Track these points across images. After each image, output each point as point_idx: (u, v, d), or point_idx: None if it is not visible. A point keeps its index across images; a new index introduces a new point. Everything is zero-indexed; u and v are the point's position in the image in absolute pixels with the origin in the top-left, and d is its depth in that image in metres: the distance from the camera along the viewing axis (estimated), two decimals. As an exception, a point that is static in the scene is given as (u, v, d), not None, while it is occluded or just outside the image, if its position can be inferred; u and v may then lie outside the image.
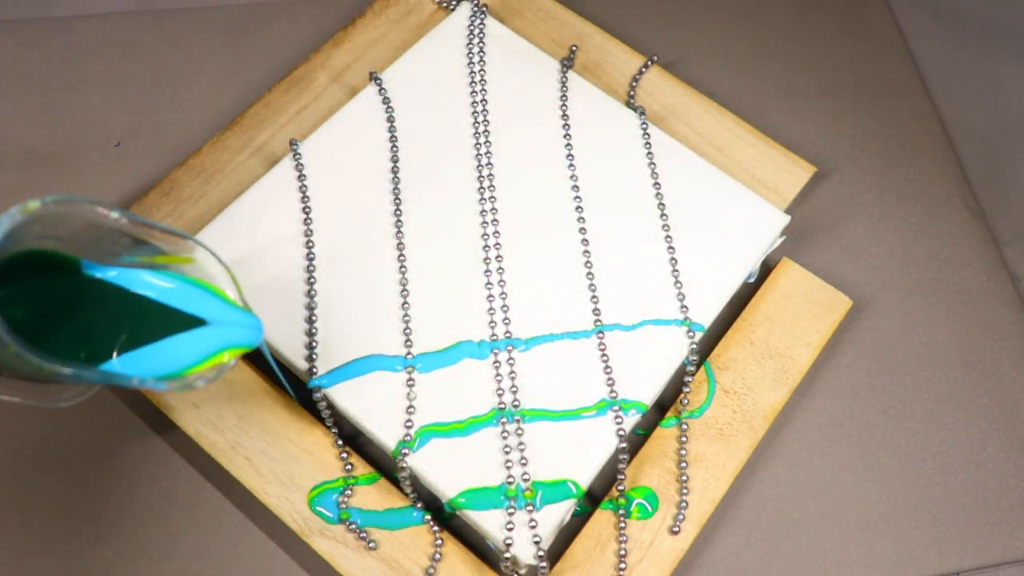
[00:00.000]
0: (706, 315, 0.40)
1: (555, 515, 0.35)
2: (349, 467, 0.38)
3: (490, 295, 0.39)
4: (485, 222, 0.41)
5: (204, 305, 0.31)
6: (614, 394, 0.38)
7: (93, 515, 0.39)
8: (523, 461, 0.36)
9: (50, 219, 0.27)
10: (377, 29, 0.49)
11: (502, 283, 0.40)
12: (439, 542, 0.36)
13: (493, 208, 0.42)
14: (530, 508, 0.35)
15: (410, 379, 0.37)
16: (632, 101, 0.47)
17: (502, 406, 0.37)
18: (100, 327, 0.30)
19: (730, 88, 0.52)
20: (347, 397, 0.37)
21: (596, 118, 0.45)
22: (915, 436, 0.43)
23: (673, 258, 0.41)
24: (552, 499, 0.36)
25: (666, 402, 0.41)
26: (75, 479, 0.40)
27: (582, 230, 0.41)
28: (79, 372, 0.26)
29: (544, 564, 0.35)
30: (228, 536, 0.39)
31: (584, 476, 0.36)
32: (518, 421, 0.37)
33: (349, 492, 0.37)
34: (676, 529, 0.37)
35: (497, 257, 0.40)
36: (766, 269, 0.44)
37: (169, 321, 0.30)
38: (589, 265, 0.40)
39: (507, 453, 0.36)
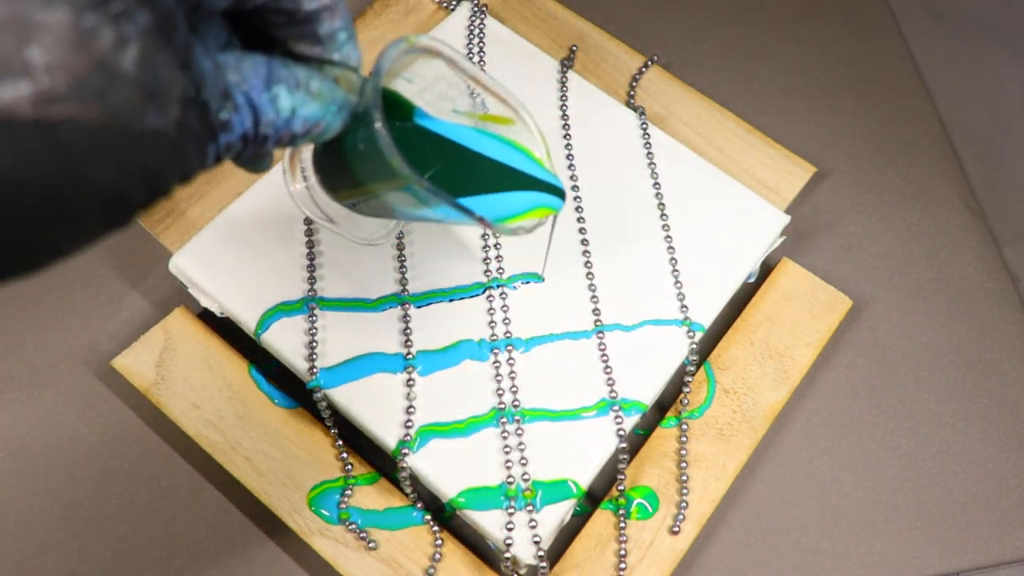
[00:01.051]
0: (706, 315, 0.40)
1: (555, 515, 0.35)
2: (349, 467, 0.38)
3: (490, 295, 0.39)
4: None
5: (522, 165, 0.33)
6: (614, 394, 0.38)
7: (93, 515, 0.39)
8: (523, 461, 0.36)
9: (414, 60, 0.29)
10: (377, 29, 0.49)
11: (502, 284, 0.40)
12: (439, 542, 0.36)
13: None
14: (530, 508, 0.35)
15: (410, 379, 0.37)
16: (632, 101, 0.47)
17: (502, 406, 0.37)
18: (425, 170, 0.31)
19: (730, 88, 0.52)
20: (347, 397, 0.37)
21: (596, 118, 0.45)
22: (915, 436, 0.43)
23: (673, 258, 0.41)
24: (552, 499, 0.36)
25: (666, 402, 0.41)
26: (75, 479, 0.40)
27: (582, 230, 0.41)
28: (437, 193, 0.27)
29: (544, 564, 0.35)
30: (228, 536, 0.39)
31: (584, 476, 0.36)
32: (518, 421, 0.37)
33: (349, 492, 0.37)
34: (676, 529, 0.37)
35: (497, 257, 0.40)
36: (766, 269, 0.44)
37: (487, 175, 0.32)
38: (589, 265, 0.40)
39: (507, 453, 0.36)
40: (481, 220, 0.29)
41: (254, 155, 0.24)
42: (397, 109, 0.30)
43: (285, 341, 0.38)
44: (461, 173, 0.31)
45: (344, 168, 0.28)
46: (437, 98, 0.32)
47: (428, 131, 0.31)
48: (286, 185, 0.33)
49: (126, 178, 0.18)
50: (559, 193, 0.33)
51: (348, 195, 0.30)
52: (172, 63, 0.18)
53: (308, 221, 0.41)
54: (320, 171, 0.30)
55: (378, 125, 0.25)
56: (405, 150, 0.29)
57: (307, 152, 0.32)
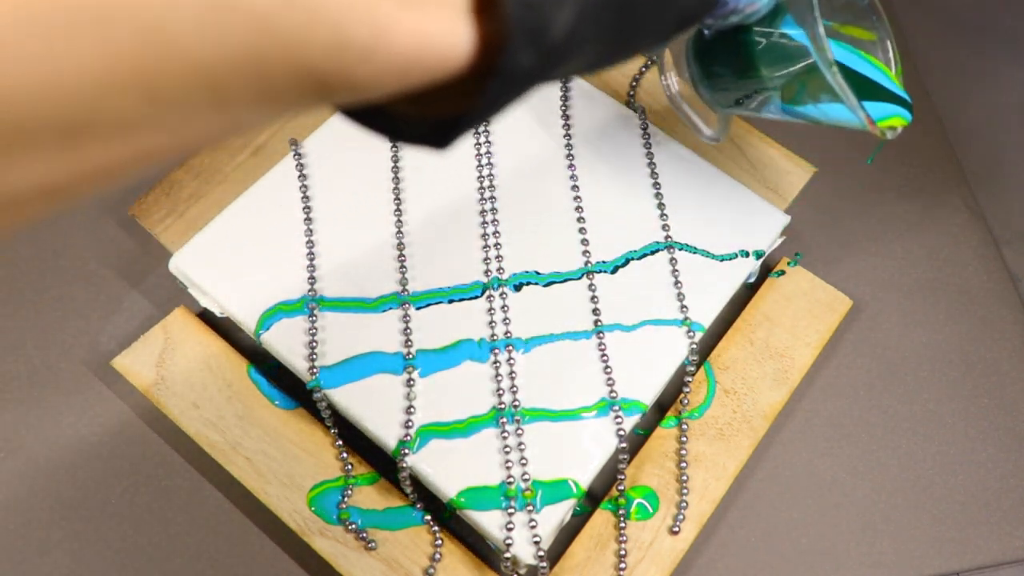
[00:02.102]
0: (706, 315, 0.40)
1: (555, 515, 0.35)
2: (349, 467, 0.38)
3: (490, 295, 0.39)
4: (485, 222, 0.41)
5: (879, 78, 0.35)
6: (614, 394, 0.38)
7: (93, 515, 0.39)
8: (523, 461, 0.36)
9: None
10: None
11: (502, 284, 0.40)
12: (439, 542, 0.36)
13: (493, 208, 0.42)
14: (530, 508, 0.35)
15: (410, 379, 0.37)
16: (632, 101, 0.47)
17: (502, 406, 0.37)
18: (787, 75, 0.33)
19: (730, 88, 0.52)
20: (347, 397, 0.37)
21: (596, 118, 0.45)
22: (915, 436, 0.43)
23: (673, 258, 0.41)
24: (552, 499, 0.36)
25: (666, 402, 0.41)
26: (75, 479, 0.40)
27: (582, 230, 0.41)
28: (841, 82, 0.29)
29: (544, 564, 0.35)
30: (228, 536, 0.39)
31: (584, 476, 0.36)
32: (518, 421, 0.37)
33: (349, 492, 0.37)
34: (676, 529, 0.37)
35: (497, 257, 0.40)
36: (766, 269, 0.44)
37: (850, 83, 0.33)
38: (589, 265, 0.40)
39: (507, 453, 0.36)
40: (868, 118, 0.31)
41: (718, 16, 0.30)
42: (772, 11, 0.32)
43: (285, 341, 0.38)
44: (816, 79, 0.33)
45: (739, 58, 0.31)
46: (807, 6, 0.33)
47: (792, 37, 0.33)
48: (664, 85, 0.37)
49: None
50: (909, 107, 0.35)
51: (727, 86, 0.32)
52: None
53: (308, 221, 0.41)
54: (703, 62, 0.33)
55: (815, 15, 0.28)
56: (774, 52, 0.31)
57: (678, 55, 0.35)
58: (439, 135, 0.19)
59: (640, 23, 0.22)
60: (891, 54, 0.36)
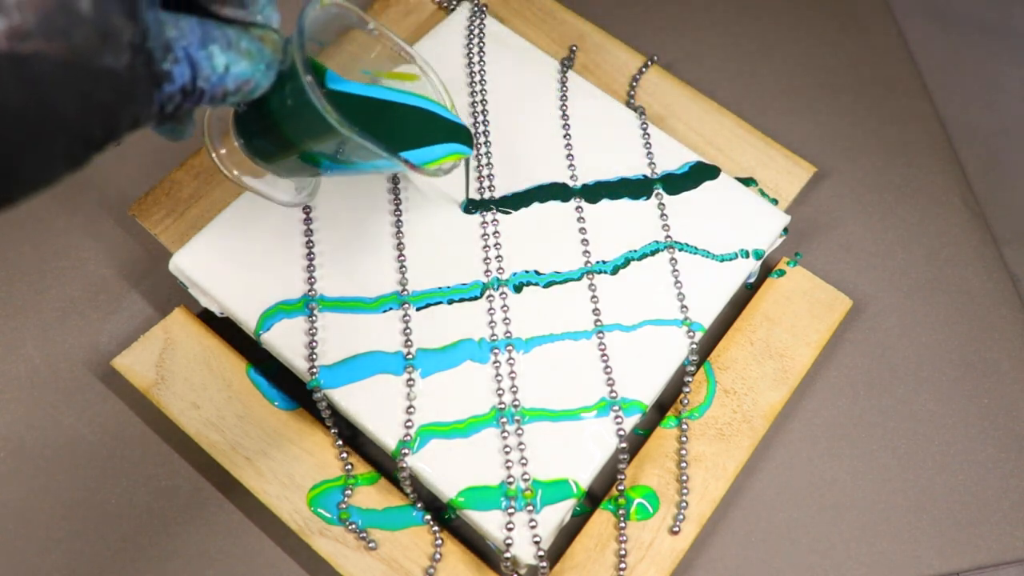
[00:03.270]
0: (706, 315, 0.40)
1: (555, 515, 0.35)
2: (349, 467, 0.38)
3: (490, 295, 0.39)
4: (485, 222, 0.41)
5: (437, 110, 0.36)
6: (614, 394, 0.38)
7: (93, 515, 0.39)
8: (523, 461, 0.36)
9: (325, 22, 0.31)
10: (377, 29, 0.49)
11: (502, 283, 0.40)
12: (439, 542, 0.36)
13: (493, 208, 0.42)
14: (530, 508, 0.35)
15: (410, 379, 0.37)
16: (632, 101, 0.47)
17: (502, 406, 0.37)
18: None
19: (730, 88, 0.52)
20: (347, 397, 0.37)
21: (596, 118, 0.45)
22: (915, 436, 0.43)
23: (673, 258, 0.41)
24: (552, 499, 0.36)
25: (666, 402, 0.41)
26: (75, 479, 0.40)
27: (582, 230, 0.41)
28: (366, 138, 0.29)
29: (544, 564, 0.35)
30: (228, 536, 0.39)
31: (584, 476, 0.36)
32: (518, 421, 0.37)
33: (349, 492, 0.37)
34: (676, 529, 0.37)
35: (497, 257, 0.40)
36: (766, 269, 0.44)
37: (402, 128, 0.34)
38: (589, 265, 0.40)
39: (507, 453, 0.36)
40: (407, 163, 0.31)
41: (187, 111, 0.26)
42: (312, 72, 0.32)
43: (285, 341, 0.38)
44: (378, 128, 0.33)
45: (271, 128, 0.30)
46: (347, 60, 0.34)
47: (342, 92, 0.33)
48: (209, 152, 0.34)
49: (87, 112, 0.20)
50: (468, 138, 0.36)
51: (273, 156, 0.32)
52: (121, 11, 0.20)
53: (308, 221, 0.41)
54: (244, 135, 0.32)
55: (308, 79, 0.27)
56: (300, 121, 0.30)
57: (222, 118, 0.34)
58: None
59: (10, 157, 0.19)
60: (439, 87, 0.37)
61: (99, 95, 0.20)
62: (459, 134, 0.36)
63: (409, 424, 0.36)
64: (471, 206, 0.41)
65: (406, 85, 0.37)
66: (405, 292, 0.39)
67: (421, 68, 0.37)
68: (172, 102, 0.23)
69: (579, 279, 0.40)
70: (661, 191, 0.42)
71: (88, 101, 0.20)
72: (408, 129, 0.35)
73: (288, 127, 0.30)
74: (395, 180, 0.42)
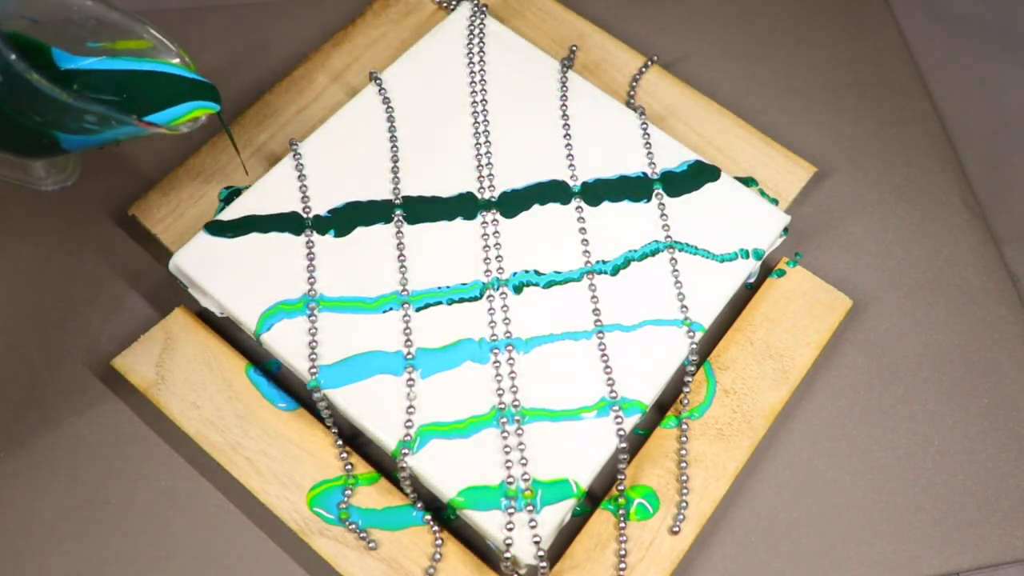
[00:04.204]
0: (706, 315, 0.40)
1: (555, 515, 0.35)
2: (349, 467, 0.38)
3: (490, 295, 0.39)
4: (485, 222, 0.41)
5: (172, 73, 0.37)
6: (614, 394, 0.38)
7: (93, 515, 0.39)
8: (523, 461, 0.36)
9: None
10: (377, 29, 0.49)
11: (502, 283, 0.40)
12: (439, 542, 0.36)
13: (493, 208, 0.42)
14: (530, 508, 0.35)
15: (410, 379, 0.37)
16: (632, 101, 0.47)
17: (502, 406, 0.37)
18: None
19: (730, 88, 0.52)
20: (347, 397, 0.37)
21: (596, 118, 0.45)
22: (915, 436, 0.43)
23: (673, 258, 0.41)
24: (552, 499, 0.36)
25: (666, 402, 0.41)
26: (75, 479, 0.40)
27: (582, 230, 0.41)
28: (85, 104, 0.29)
29: (544, 564, 0.35)
30: (228, 536, 0.39)
31: (584, 476, 0.36)
32: (518, 421, 0.37)
33: (349, 492, 0.37)
34: (676, 529, 0.37)
35: (497, 257, 0.40)
36: (766, 269, 0.44)
37: (146, 93, 0.35)
38: (589, 264, 0.40)
39: (507, 453, 0.36)
40: (144, 122, 0.32)
41: None
42: (35, 54, 0.32)
43: (285, 341, 0.38)
44: (119, 96, 0.34)
45: None
46: (75, 30, 0.35)
47: (76, 70, 0.34)
48: None
49: None
50: (213, 93, 0.37)
51: (7, 140, 0.32)
52: None
53: (309, 221, 0.41)
54: None
55: (13, 57, 0.27)
56: (17, 97, 0.30)
57: None
58: None
59: None
60: (174, 48, 0.38)
61: None
62: (204, 91, 0.37)
63: (409, 424, 0.36)
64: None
65: (145, 52, 0.37)
66: (405, 292, 0.39)
67: (152, 34, 0.37)
68: None
69: (579, 279, 0.40)
70: (661, 191, 0.42)
71: None
72: (152, 93, 0.36)
73: (11, 108, 0.30)
74: (395, 181, 0.42)
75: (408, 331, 0.38)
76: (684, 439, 0.39)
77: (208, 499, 0.39)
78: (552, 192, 0.42)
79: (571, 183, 0.43)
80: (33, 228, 0.45)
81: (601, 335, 0.39)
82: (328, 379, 0.37)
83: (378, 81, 0.44)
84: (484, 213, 0.41)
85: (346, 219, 0.41)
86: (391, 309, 0.39)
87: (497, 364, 0.38)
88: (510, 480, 0.36)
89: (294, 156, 0.42)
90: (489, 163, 0.43)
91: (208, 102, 0.37)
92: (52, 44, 0.34)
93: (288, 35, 0.52)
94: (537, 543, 0.35)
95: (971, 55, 0.55)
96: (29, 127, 0.31)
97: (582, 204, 0.42)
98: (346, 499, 0.37)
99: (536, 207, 0.42)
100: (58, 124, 0.32)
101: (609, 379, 0.38)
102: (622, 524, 0.37)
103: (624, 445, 0.37)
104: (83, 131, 0.32)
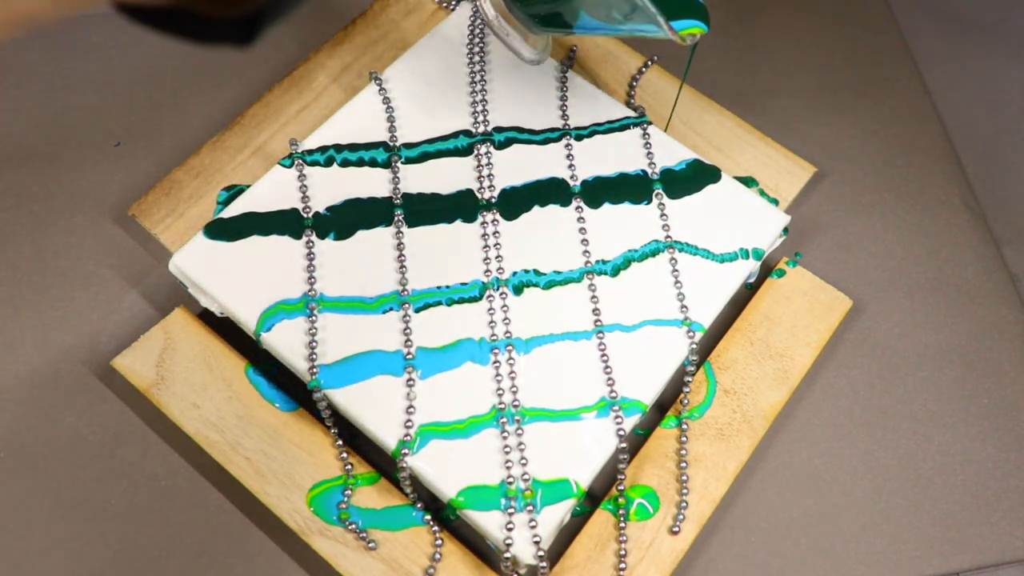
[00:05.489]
0: (706, 315, 0.40)
1: (555, 515, 0.35)
2: (349, 467, 0.38)
3: (490, 295, 0.39)
4: (485, 222, 0.41)
5: None
6: (614, 394, 0.38)
7: (93, 515, 0.39)
8: (523, 461, 0.36)
9: None
10: (377, 29, 0.49)
11: (502, 283, 0.40)
12: (439, 542, 0.36)
13: (493, 208, 0.42)
14: (530, 508, 0.35)
15: (410, 379, 0.37)
16: (632, 101, 0.47)
17: (502, 406, 0.37)
18: None
19: (730, 88, 0.52)
20: (347, 397, 0.37)
21: (596, 117, 0.45)
22: (915, 436, 0.43)
23: (673, 258, 0.41)
24: (552, 499, 0.36)
25: (666, 402, 0.41)
26: (75, 479, 0.40)
27: (582, 230, 0.41)
28: None
29: (544, 564, 0.35)
30: (228, 536, 0.39)
31: (584, 476, 0.36)
32: (518, 421, 0.37)
33: (349, 492, 0.37)
34: (676, 529, 0.37)
35: (497, 257, 0.40)
36: (766, 269, 0.44)
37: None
38: (589, 264, 0.40)
39: (507, 453, 0.36)
40: (669, 27, 0.33)
41: None
42: None
43: (285, 341, 0.38)
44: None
45: None
46: None
47: None
48: (480, 11, 0.38)
49: None
50: (705, 15, 0.37)
51: (539, 8, 0.35)
52: None
53: (309, 220, 0.41)
54: None
55: None
56: None
57: None
58: (243, 32, 0.21)
59: None
60: None
61: None
62: (698, 11, 0.37)
63: (409, 424, 0.36)
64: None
65: None
66: (405, 292, 0.39)
67: None
68: None
69: (579, 279, 0.40)
70: (661, 191, 0.42)
71: None
72: (658, 3, 0.36)
73: None
74: (395, 181, 0.42)
75: (408, 331, 0.38)
76: (684, 439, 0.39)
77: (208, 499, 0.39)
78: (552, 192, 0.42)
79: (571, 183, 0.43)
80: (33, 228, 0.45)
81: (601, 335, 0.39)
82: (328, 379, 0.37)
83: (378, 81, 0.44)
84: (484, 213, 0.41)
85: (346, 218, 0.41)
86: (391, 309, 0.39)
87: (497, 364, 0.38)
88: (510, 480, 0.36)
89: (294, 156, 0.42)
90: (489, 163, 0.43)
91: (700, 22, 0.37)
92: None
93: (288, 35, 0.52)
94: (537, 543, 0.35)
95: (971, 55, 0.55)
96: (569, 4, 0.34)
97: (582, 204, 0.42)
98: (346, 499, 0.37)
99: (536, 207, 0.42)
100: (589, 4, 0.34)
101: (609, 379, 0.38)
102: (622, 524, 0.37)
103: (624, 445, 0.37)
104: (604, 17, 0.34)
